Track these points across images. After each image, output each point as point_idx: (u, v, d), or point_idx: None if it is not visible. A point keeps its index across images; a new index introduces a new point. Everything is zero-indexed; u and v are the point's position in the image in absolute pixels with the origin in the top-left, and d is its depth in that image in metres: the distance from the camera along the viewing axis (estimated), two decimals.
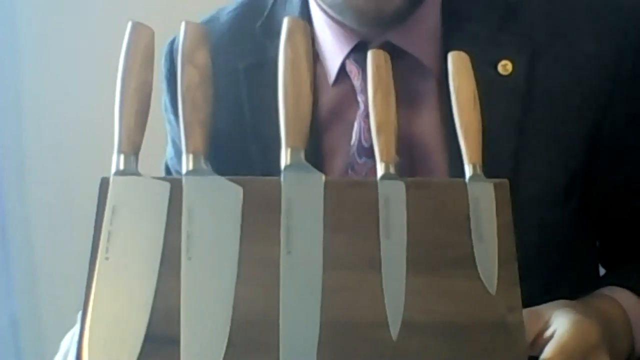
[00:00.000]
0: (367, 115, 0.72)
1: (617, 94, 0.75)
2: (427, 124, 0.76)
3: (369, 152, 0.71)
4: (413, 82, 0.76)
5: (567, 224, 0.78)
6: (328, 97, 0.78)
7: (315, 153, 0.75)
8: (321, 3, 0.76)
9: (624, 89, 0.75)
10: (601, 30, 0.76)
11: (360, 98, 0.76)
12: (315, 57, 0.76)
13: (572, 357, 0.60)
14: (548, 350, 0.60)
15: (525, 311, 0.59)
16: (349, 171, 0.75)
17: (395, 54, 0.69)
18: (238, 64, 0.81)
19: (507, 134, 0.74)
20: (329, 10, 0.76)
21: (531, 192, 0.74)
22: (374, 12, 0.71)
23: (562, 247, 0.78)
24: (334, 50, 0.78)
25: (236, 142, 0.79)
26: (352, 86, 0.77)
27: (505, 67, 0.74)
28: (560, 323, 0.63)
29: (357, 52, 0.76)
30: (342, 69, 0.77)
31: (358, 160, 0.75)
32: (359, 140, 0.75)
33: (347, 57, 0.77)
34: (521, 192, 0.70)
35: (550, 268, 0.77)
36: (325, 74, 0.79)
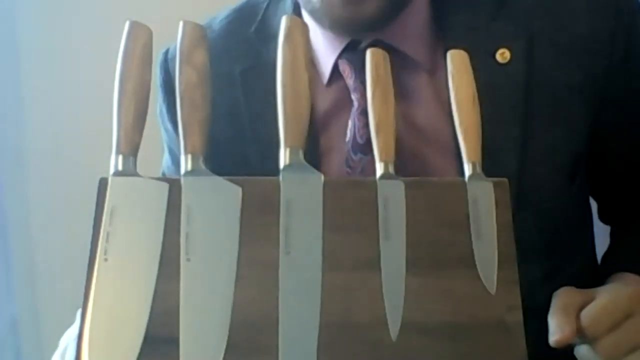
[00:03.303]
0: (361, 113, 0.73)
1: (614, 74, 0.76)
2: (426, 115, 0.77)
3: (364, 149, 0.72)
4: (406, 77, 0.76)
5: (571, 206, 0.79)
6: (323, 98, 0.78)
7: (313, 154, 0.75)
8: (303, 9, 0.77)
9: (620, 67, 0.76)
10: (594, 13, 0.76)
11: (354, 96, 0.76)
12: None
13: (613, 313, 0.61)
14: (585, 310, 0.61)
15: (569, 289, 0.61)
16: (345, 168, 0.76)
17: (386, 51, 0.69)
18: (234, 68, 0.80)
19: (510, 122, 0.74)
20: (311, 17, 0.76)
21: (537, 178, 0.75)
22: (348, 21, 0.71)
23: (566, 231, 0.79)
24: (326, 51, 0.78)
25: (235, 146, 0.79)
26: (346, 85, 0.77)
27: (503, 55, 0.75)
28: (602, 291, 0.64)
29: (349, 51, 0.76)
30: (335, 69, 0.78)
31: (353, 156, 0.75)
32: (354, 137, 0.75)
33: (340, 57, 0.77)
34: (527, 179, 0.72)
35: (554, 253, 0.78)
36: (318, 76, 0.79)
